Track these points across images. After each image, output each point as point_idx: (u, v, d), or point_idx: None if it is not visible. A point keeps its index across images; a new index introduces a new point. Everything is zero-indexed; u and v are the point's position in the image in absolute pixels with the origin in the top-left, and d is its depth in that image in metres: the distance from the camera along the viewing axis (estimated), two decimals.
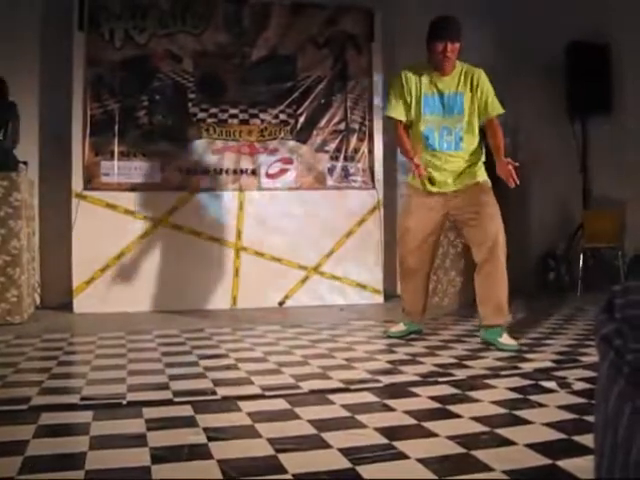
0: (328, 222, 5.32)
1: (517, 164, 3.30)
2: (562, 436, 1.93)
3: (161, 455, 1.80)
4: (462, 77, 3.47)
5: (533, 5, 5.83)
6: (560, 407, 2.25)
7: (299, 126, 5.37)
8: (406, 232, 3.62)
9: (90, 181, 4.98)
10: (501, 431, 1.98)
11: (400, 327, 3.75)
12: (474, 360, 3.08)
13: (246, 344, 3.60)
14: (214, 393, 2.51)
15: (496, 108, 3.49)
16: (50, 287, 5.09)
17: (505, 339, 3.37)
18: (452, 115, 3.46)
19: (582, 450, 1.78)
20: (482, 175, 3.55)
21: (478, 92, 3.46)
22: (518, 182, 3.28)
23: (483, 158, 3.59)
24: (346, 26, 5.46)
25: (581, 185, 6.01)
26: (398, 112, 3.54)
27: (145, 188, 5.06)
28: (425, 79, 3.49)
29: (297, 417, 2.18)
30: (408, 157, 3.53)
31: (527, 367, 2.93)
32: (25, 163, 4.62)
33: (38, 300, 5.02)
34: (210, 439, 1.93)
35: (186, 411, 2.24)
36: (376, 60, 5.51)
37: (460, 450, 1.83)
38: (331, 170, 5.44)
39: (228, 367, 2.98)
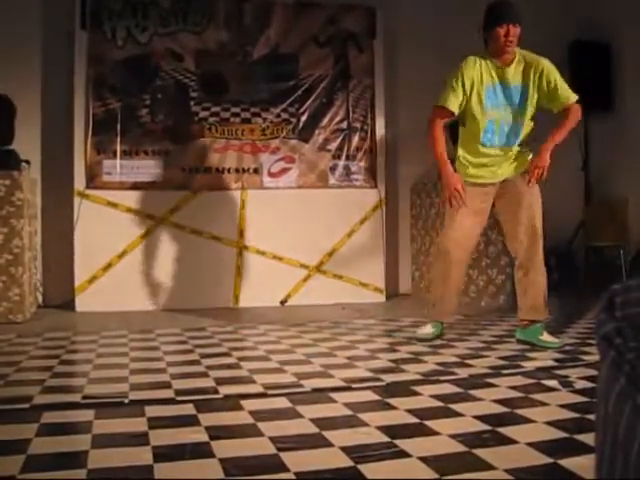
0: (330, 221, 5.31)
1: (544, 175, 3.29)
2: (564, 435, 1.93)
3: (163, 454, 1.80)
4: (524, 67, 3.29)
5: (535, 4, 5.83)
6: (562, 406, 2.25)
7: (301, 125, 5.37)
8: (452, 222, 3.43)
9: (92, 180, 4.98)
10: (503, 430, 1.99)
11: (428, 329, 3.54)
12: (476, 359, 3.08)
13: (248, 343, 3.61)
14: (216, 392, 2.51)
15: (570, 96, 3.29)
16: (52, 286, 5.09)
17: (546, 337, 3.35)
18: (514, 108, 3.30)
19: (583, 449, 1.78)
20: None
21: (544, 82, 3.26)
22: (534, 183, 3.29)
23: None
24: (348, 24, 5.45)
25: (583, 183, 6.00)
26: (452, 103, 3.28)
27: (147, 187, 5.06)
28: (486, 69, 3.28)
29: (299, 415, 2.18)
30: (446, 172, 3.34)
31: (529, 366, 2.93)
32: (27, 162, 4.63)
33: (40, 299, 5.03)
34: (212, 438, 1.94)
35: (188, 410, 2.25)
36: (378, 59, 5.50)
37: (462, 448, 1.83)
38: (333, 169, 5.43)
39: (230, 366, 2.98)
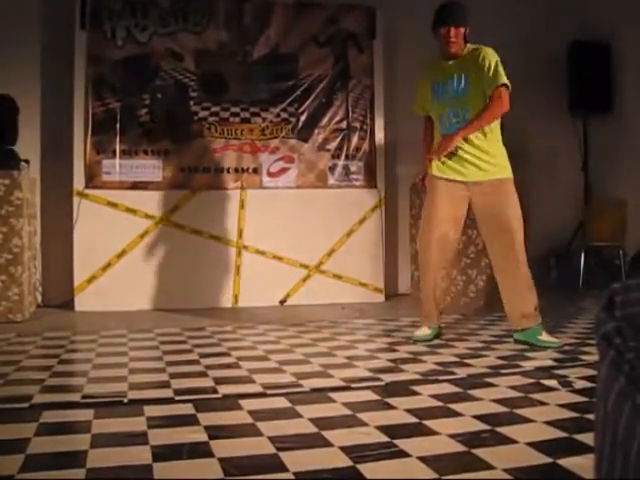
0: (329, 221, 5.31)
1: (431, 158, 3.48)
2: (563, 434, 1.93)
3: (162, 453, 1.80)
4: (469, 58, 3.41)
5: (535, 4, 5.83)
6: (561, 405, 2.25)
7: (300, 125, 5.37)
8: (428, 219, 3.52)
9: (92, 179, 4.98)
10: (502, 429, 1.99)
11: (424, 330, 3.60)
12: (475, 359, 3.08)
13: (247, 342, 3.61)
14: (215, 391, 2.51)
15: (497, 79, 3.28)
16: (51, 285, 5.09)
17: (545, 336, 3.35)
18: (458, 97, 3.41)
19: (583, 448, 1.78)
20: (506, 172, 3.43)
21: (483, 69, 3.33)
22: (433, 157, 3.47)
23: (505, 153, 3.47)
24: (348, 25, 5.45)
25: (582, 183, 6.01)
26: (415, 107, 3.72)
27: (146, 186, 5.06)
28: (436, 67, 3.54)
29: (298, 415, 2.18)
30: (424, 155, 3.68)
31: (528, 365, 2.93)
32: (27, 161, 4.62)
33: (39, 298, 5.03)
34: (211, 437, 1.94)
35: (187, 409, 2.25)
36: (377, 59, 5.50)
37: (461, 448, 1.83)
38: (332, 169, 5.43)
39: (229, 365, 2.98)
